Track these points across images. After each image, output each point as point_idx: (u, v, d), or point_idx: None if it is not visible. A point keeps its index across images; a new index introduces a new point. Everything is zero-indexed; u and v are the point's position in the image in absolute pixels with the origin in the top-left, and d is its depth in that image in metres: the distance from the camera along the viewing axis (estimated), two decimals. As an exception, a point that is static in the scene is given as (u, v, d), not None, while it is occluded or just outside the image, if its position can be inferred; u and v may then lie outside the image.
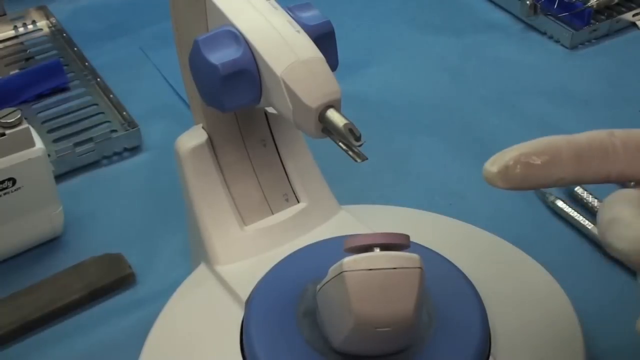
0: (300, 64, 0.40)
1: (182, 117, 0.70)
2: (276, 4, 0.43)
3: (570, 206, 0.59)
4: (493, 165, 0.35)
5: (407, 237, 0.38)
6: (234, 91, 0.41)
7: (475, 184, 0.63)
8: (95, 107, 0.71)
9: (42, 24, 0.83)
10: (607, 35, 0.81)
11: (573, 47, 0.79)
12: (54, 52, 0.78)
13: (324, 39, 0.43)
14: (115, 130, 0.68)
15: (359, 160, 0.38)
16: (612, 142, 0.35)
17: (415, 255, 0.36)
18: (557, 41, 0.80)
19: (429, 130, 0.69)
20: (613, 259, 0.56)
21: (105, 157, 0.66)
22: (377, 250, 0.37)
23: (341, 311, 0.37)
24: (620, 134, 0.35)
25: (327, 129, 0.39)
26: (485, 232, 0.54)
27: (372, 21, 0.85)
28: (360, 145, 0.38)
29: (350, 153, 0.39)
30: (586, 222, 0.58)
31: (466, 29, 0.83)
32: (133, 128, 0.67)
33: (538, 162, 0.34)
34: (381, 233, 0.37)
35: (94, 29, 0.83)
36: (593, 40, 0.80)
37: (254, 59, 0.41)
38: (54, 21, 0.82)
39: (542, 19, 0.80)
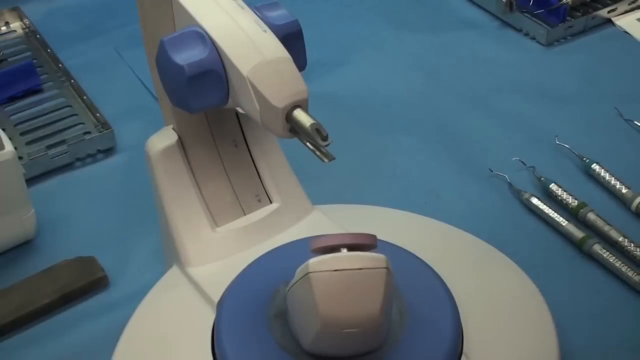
0: (266, 64, 0.40)
1: (157, 118, 0.68)
2: (243, 4, 0.43)
3: (545, 203, 0.59)
4: None
5: (374, 237, 0.37)
6: (201, 92, 0.41)
7: (451, 182, 0.63)
8: (68, 108, 0.70)
9: (16, 25, 0.82)
10: (582, 32, 0.81)
11: (549, 44, 0.79)
12: (28, 53, 0.78)
13: (291, 38, 0.42)
14: (88, 132, 0.67)
15: (326, 161, 0.38)
16: None
17: (381, 256, 0.36)
18: (533, 38, 0.80)
19: (404, 129, 0.69)
20: (587, 256, 0.56)
21: (78, 159, 0.66)
22: (344, 250, 0.37)
23: (308, 312, 0.37)
24: None
25: (295, 129, 0.39)
26: (459, 230, 0.53)
27: (348, 20, 0.84)
28: (327, 145, 0.38)
29: (318, 153, 0.38)
30: (561, 219, 0.58)
31: (442, 26, 0.83)
32: (107, 130, 0.67)
33: None
34: (348, 233, 0.37)
35: (68, 30, 0.82)
36: (569, 37, 0.80)
37: (221, 59, 0.41)
38: (27, 22, 0.81)
39: (517, 16, 0.80)
